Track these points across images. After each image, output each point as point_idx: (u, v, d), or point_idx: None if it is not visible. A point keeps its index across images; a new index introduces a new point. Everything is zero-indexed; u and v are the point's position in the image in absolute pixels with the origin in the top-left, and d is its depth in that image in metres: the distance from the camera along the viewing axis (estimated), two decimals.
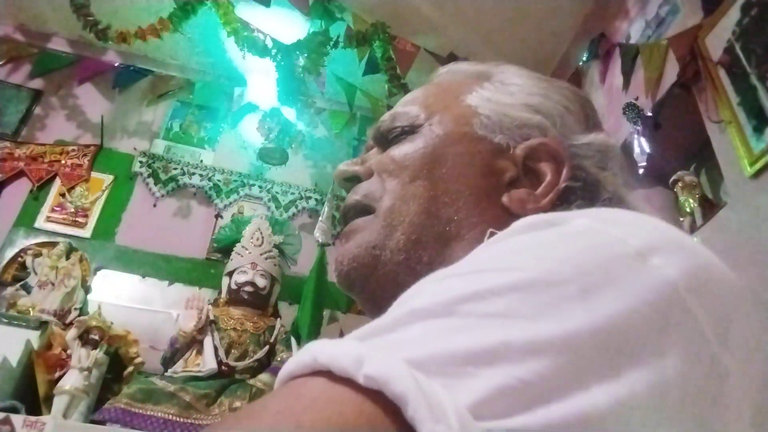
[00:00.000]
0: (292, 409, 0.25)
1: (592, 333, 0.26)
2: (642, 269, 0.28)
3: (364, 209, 0.49)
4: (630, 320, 0.26)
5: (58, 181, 2.56)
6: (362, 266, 0.47)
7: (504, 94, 0.51)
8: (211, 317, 2.13)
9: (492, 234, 0.37)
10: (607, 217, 0.32)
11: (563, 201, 0.45)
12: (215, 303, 2.27)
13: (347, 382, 0.25)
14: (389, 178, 0.49)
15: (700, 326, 0.27)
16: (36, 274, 2.24)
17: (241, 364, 2.03)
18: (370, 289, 0.47)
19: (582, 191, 0.46)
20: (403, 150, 0.50)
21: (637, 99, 2.08)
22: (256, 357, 2.06)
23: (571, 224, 0.32)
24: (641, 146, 2.04)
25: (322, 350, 0.27)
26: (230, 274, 2.28)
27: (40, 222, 2.45)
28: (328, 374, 0.26)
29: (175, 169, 2.71)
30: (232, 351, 2.06)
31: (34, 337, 1.90)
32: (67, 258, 2.29)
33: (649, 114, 1.99)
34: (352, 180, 0.52)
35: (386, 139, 0.52)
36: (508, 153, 0.48)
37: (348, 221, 0.51)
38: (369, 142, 0.56)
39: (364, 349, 0.26)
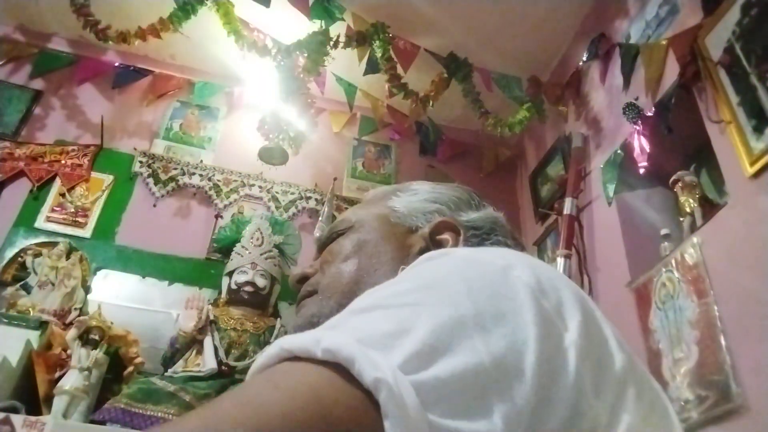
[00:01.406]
0: (269, 380, 0.33)
1: (475, 313, 0.37)
2: (507, 277, 0.41)
3: (312, 294, 0.64)
4: (501, 305, 0.38)
5: (58, 181, 2.56)
6: (301, 329, 0.59)
7: (411, 196, 0.69)
8: (211, 317, 2.13)
9: (403, 269, 0.51)
10: (478, 249, 0.51)
11: None
12: (215, 303, 2.27)
13: (309, 360, 0.34)
14: (328, 267, 0.64)
15: (548, 313, 0.39)
16: (36, 274, 2.24)
17: (241, 364, 2.03)
18: None
19: None
20: (338, 243, 0.66)
21: (637, 99, 2.08)
22: (256, 357, 2.06)
23: (456, 253, 0.47)
24: (641, 146, 2.05)
25: (286, 340, 0.36)
26: (230, 274, 2.28)
27: (40, 222, 2.45)
28: (293, 359, 0.35)
29: (175, 169, 2.71)
30: (232, 351, 2.06)
31: (34, 337, 1.90)
32: (67, 258, 2.29)
33: (649, 114, 1.99)
34: (302, 281, 0.67)
35: (327, 243, 0.68)
36: (417, 232, 0.64)
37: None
38: (315, 253, 0.72)
39: (321, 333, 0.35)
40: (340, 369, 0.33)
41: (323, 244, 0.69)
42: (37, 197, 2.51)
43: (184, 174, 2.71)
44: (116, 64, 2.90)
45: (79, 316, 2.09)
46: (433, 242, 0.62)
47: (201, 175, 2.73)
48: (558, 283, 0.43)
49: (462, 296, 0.38)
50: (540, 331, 0.37)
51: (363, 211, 0.69)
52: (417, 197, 0.68)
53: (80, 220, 2.49)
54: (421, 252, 0.60)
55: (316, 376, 0.33)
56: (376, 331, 0.35)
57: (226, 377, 1.99)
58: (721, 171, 1.67)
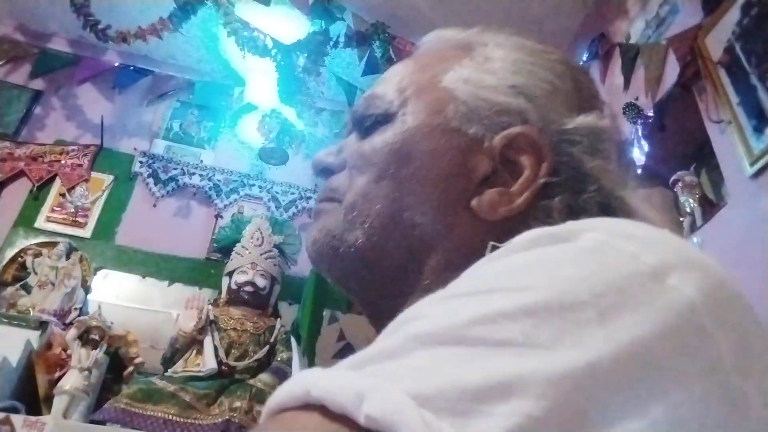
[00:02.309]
0: None
1: (612, 362, 0.24)
2: (659, 290, 0.26)
3: (333, 201, 0.48)
4: (650, 347, 0.24)
5: (58, 181, 2.56)
6: (322, 253, 0.47)
7: (484, 72, 0.46)
8: (211, 317, 2.14)
9: (494, 248, 0.34)
10: (618, 230, 0.30)
11: (543, 197, 0.42)
12: (215, 303, 2.27)
13: (344, 419, 0.23)
14: (357, 175, 0.47)
15: (720, 352, 0.25)
16: (36, 274, 2.24)
17: (241, 364, 2.03)
18: (334, 275, 0.48)
19: (565, 184, 0.42)
20: (372, 143, 0.47)
21: (637, 99, 2.08)
22: (256, 357, 2.06)
23: (581, 239, 0.29)
24: (641, 146, 2.04)
25: (316, 383, 0.25)
26: (230, 274, 2.28)
27: (40, 222, 2.45)
28: (322, 409, 0.24)
29: (175, 169, 2.71)
30: (232, 351, 2.06)
31: (34, 337, 1.90)
32: (67, 258, 2.29)
33: (650, 114, 1.99)
34: (325, 174, 0.51)
35: (362, 126, 0.49)
36: (483, 146, 0.43)
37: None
38: (348, 125, 0.53)
39: (364, 383, 0.24)
40: None
41: (358, 124, 0.50)
42: (37, 197, 2.51)
43: (184, 174, 2.71)
44: (116, 64, 2.90)
45: (79, 316, 2.09)
46: (504, 164, 0.43)
47: (201, 175, 2.73)
48: (736, 294, 0.28)
49: (592, 327, 0.25)
50: (707, 384, 0.24)
51: (413, 86, 0.48)
52: (494, 79, 0.45)
53: (80, 220, 2.49)
54: (486, 181, 0.43)
55: None
56: (453, 385, 0.23)
57: (226, 377, 1.99)
58: (721, 171, 1.67)
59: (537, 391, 0.22)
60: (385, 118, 0.47)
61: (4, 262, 2.28)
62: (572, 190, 0.42)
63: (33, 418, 1.63)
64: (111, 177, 2.64)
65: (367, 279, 0.45)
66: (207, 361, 2.00)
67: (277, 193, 2.78)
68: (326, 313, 2.38)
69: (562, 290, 0.26)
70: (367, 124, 0.48)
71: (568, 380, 0.23)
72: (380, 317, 0.45)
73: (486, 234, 0.41)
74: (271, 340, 2.14)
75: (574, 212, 0.40)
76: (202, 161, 2.78)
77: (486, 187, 0.43)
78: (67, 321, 2.10)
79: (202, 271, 2.47)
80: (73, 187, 2.56)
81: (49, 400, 1.80)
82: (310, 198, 2.80)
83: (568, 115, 0.44)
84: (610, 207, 0.41)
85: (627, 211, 0.42)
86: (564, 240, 0.30)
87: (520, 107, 0.43)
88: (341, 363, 0.27)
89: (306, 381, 0.25)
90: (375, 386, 0.23)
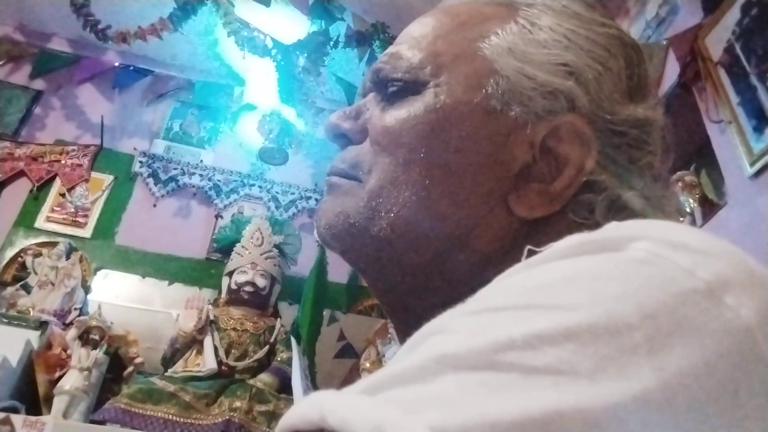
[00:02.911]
0: None
1: (660, 397, 0.21)
2: (715, 312, 0.23)
3: (350, 178, 0.43)
4: (701, 380, 0.22)
5: (58, 181, 2.56)
6: (338, 239, 0.42)
7: (531, 43, 0.40)
8: (211, 317, 2.14)
9: (531, 252, 0.30)
10: (669, 238, 0.26)
11: (583, 190, 0.38)
12: (215, 303, 2.27)
13: None
14: (382, 153, 0.41)
15: None
16: (36, 274, 2.24)
17: (241, 364, 2.03)
18: (349, 259, 0.44)
19: (609, 180, 0.38)
20: (398, 117, 0.41)
21: None
22: (256, 357, 2.06)
23: (629, 249, 0.26)
24: None
25: (333, 410, 0.22)
26: (230, 274, 2.28)
27: (40, 222, 2.45)
28: None
29: (175, 169, 2.71)
30: (232, 351, 2.06)
31: (34, 337, 1.90)
32: (67, 258, 2.29)
33: None
34: (341, 141, 0.45)
35: (384, 89, 0.43)
36: (524, 132, 0.38)
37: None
38: (367, 83, 0.46)
39: (384, 415, 0.21)
40: None
41: (381, 86, 0.43)
42: (37, 197, 2.51)
43: (184, 174, 2.71)
44: (116, 64, 2.90)
45: (79, 316, 2.09)
46: (544, 155, 0.39)
47: (201, 175, 2.73)
48: None
49: (639, 354, 0.22)
50: (765, 427, 0.22)
51: (449, 52, 0.41)
52: (542, 53, 0.39)
53: (80, 220, 2.49)
54: (522, 173, 0.39)
55: None
56: (482, 421, 0.21)
57: (226, 377, 1.99)
58: (721, 171, 1.67)
59: (578, 428, 0.20)
60: (414, 87, 0.41)
61: (4, 262, 2.28)
62: (616, 186, 0.38)
63: (33, 418, 1.63)
64: (111, 177, 2.64)
65: (387, 270, 0.42)
66: (207, 361, 2.00)
67: (277, 193, 2.78)
68: (326, 313, 2.38)
69: (607, 310, 0.23)
70: (392, 90, 0.42)
71: (611, 418, 0.21)
72: (399, 310, 0.44)
73: (521, 230, 0.39)
74: (271, 340, 2.14)
75: (615, 209, 0.38)
76: (202, 161, 2.78)
77: (522, 179, 0.39)
78: (67, 321, 2.10)
79: (202, 271, 2.47)
80: (73, 187, 2.56)
81: (49, 400, 1.80)
82: (310, 198, 2.80)
83: (619, 102, 0.39)
84: (652, 206, 0.39)
85: (668, 213, 0.39)
86: (610, 249, 0.26)
87: (569, 90, 0.38)
88: (359, 384, 0.25)
89: (323, 406, 0.23)
90: (395, 419, 0.21)
